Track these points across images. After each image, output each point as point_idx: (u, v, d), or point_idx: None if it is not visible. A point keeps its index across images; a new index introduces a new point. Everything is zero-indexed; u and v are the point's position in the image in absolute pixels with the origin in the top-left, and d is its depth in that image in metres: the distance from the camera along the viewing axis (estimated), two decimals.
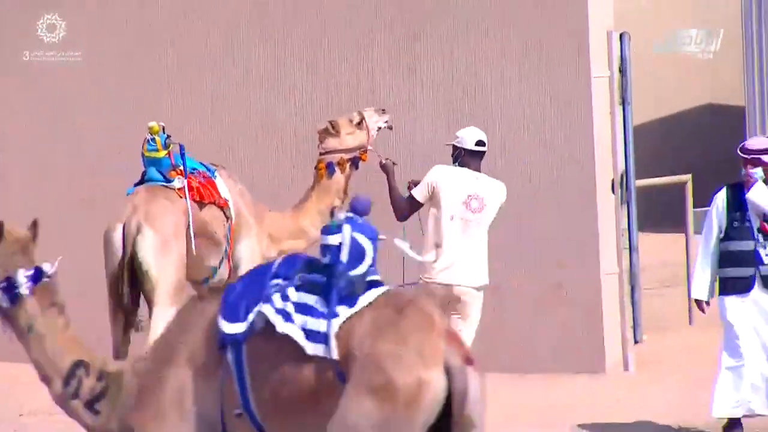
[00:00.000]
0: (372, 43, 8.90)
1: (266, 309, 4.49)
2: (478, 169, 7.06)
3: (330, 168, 7.54)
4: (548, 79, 8.49)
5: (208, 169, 7.36)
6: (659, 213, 12.12)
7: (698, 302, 7.29)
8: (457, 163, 7.09)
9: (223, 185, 7.38)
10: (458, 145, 7.11)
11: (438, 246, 6.91)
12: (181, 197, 7.05)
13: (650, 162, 11.71)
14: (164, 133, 7.18)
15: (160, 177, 7.16)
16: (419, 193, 7.05)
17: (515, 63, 8.56)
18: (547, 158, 8.56)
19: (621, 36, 8.65)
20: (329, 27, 9.02)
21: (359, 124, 7.64)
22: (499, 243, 7.34)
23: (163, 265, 6.90)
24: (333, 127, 7.62)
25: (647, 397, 8.24)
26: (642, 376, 8.70)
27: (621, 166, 8.66)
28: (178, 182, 7.09)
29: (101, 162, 9.78)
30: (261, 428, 4.64)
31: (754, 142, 7.38)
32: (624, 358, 8.76)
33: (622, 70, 8.58)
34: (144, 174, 7.25)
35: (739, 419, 7.10)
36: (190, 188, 7.09)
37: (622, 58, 8.60)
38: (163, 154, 7.15)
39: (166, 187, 7.12)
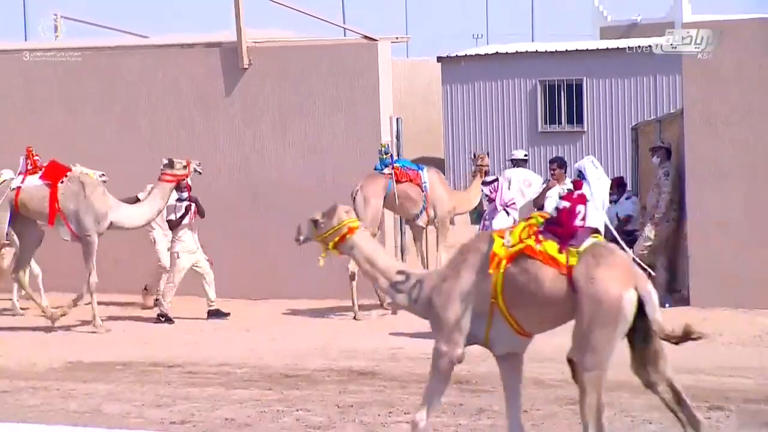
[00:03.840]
0: None
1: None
2: None
3: (485, 174, 14.89)
4: (359, 141, 16.17)
5: (418, 167, 15.06)
6: None
7: None
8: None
9: (425, 174, 14.92)
10: None
11: None
12: (388, 179, 14.88)
13: None
14: (385, 147, 15.01)
15: (380, 168, 14.86)
16: None
17: (344, 133, 16.08)
18: (357, 182, 16.10)
19: (397, 119, 16.10)
20: None
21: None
22: None
23: (364, 211, 14.29)
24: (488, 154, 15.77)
25: None
26: None
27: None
28: (387, 170, 14.76)
29: None
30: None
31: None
32: None
33: (398, 137, 16.19)
34: (375, 167, 14.90)
35: None
36: (396, 174, 14.78)
37: (398, 131, 16.16)
38: (384, 157, 14.91)
39: (381, 173, 14.83)
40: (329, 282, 15.27)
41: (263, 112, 16.49)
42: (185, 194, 14.63)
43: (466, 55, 27.90)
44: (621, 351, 7.19)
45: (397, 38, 17.13)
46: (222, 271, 15.14)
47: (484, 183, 12.42)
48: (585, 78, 26.41)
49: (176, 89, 16.79)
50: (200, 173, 14.57)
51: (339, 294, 15.11)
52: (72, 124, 17.04)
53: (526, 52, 27.63)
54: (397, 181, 14.98)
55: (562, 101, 26.69)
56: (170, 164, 14.35)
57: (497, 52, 27.75)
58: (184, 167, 14.40)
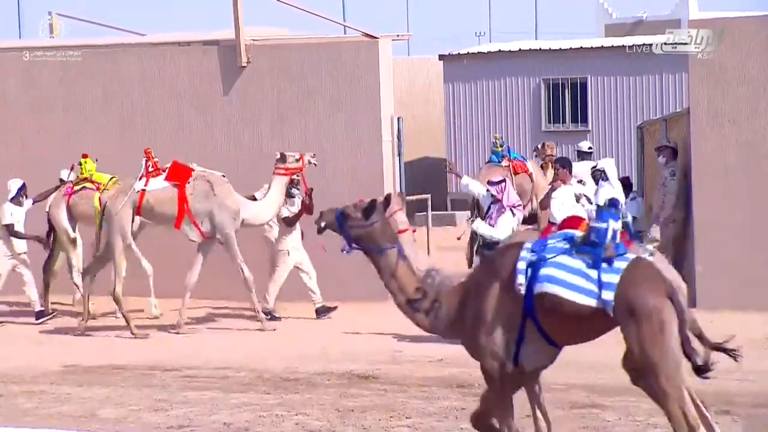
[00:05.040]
0: None
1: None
2: None
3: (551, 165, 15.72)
4: (359, 141, 16.23)
5: (523, 158, 16.28)
6: None
7: None
8: None
9: (530, 166, 15.89)
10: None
11: None
12: (506, 171, 15.46)
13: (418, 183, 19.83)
14: (499, 140, 16.18)
15: (496, 160, 16.01)
16: None
17: (344, 132, 16.18)
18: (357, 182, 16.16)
19: (398, 119, 16.18)
20: None
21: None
22: None
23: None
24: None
25: None
26: None
27: (398, 186, 16.31)
28: (505, 162, 15.65)
29: None
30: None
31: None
32: None
33: (399, 138, 16.31)
34: (490, 159, 16.25)
35: None
36: (513, 166, 15.47)
37: (399, 130, 16.24)
38: (499, 149, 16.04)
39: (498, 164, 15.76)
40: (328, 283, 15.29)
41: (262, 112, 16.51)
42: (295, 190, 14.78)
43: (468, 53, 27.91)
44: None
45: (398, 36, 17.17)
46: (218, 274, 15.15)
47: (491, 183, 12.48)
48: (589, 76, 26.43)
49: (174, 88, 16.82)
50: (315, 165, 14.63)
51: (339, 296, 15.13)
52: (69, 123, 17.15)
53: (530, 50, 27.65)
54: (514, 173, 15.52)
55: (566, 100, 26.71)
56: (282, 158, 14.42)
57: (500, 50, 27.77)
58: (297, 160, 14.45)
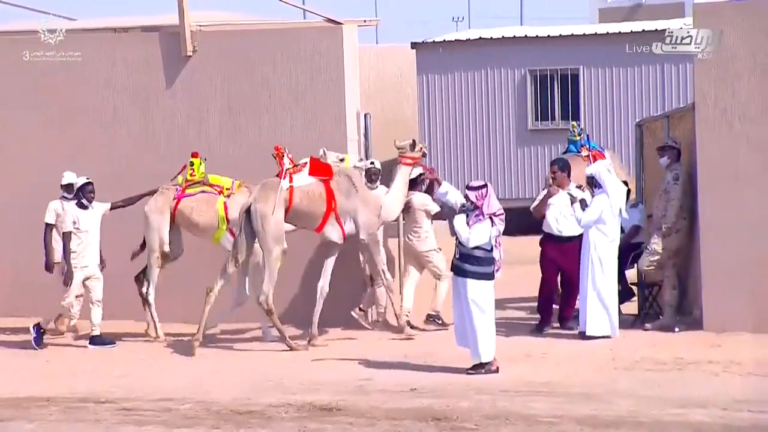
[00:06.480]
0: None
1: None
2: None
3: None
4: (320, 140, 16.10)
5: (601, 148, 15.85)
6: None
7: None
8: None
9: (608, 157, 15.19)
10: None
11: None
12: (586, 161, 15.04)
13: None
14: (577, 128, 16.58)
15: (574, 150, 15.99)
16: None
17: (303, 130, 16.06)
18: None
19: (365, 115, 16.16)
20: None
21: None
22: None
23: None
24: None
25: None
26: None
27: None
28: (584, 152, 15.26)
29: None
30: None
31: None
32: None
33: (366, 136, 16.22)
34: (567, 149, 16.42)
35: None
36: (593, 156, 15.11)
37: (366, 128, 16.18)
38: (577, 138, 16.09)
39: (577, 154, 15.62)
40: (285, 303, 15.27)
41: (210, 107, 16.48)
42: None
43: (444, 40, 27.99)
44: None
45: (365, 21, 17.15)
46: (163, 293, 15.19)
47: (470, 188, 12.51)
48: (582, 67, 26.57)
49: (109, 80, 16.75)
50: (425, 155, 15.26)
51: (303, 319, 15.13)
52: None
53: (514, 37, 27.75)
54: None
55: (556, 94, 26.83)
56: (413, 146, 14.84)
57: (480, 38, 27.85)
58: (420, 150, 14.94)
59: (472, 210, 12.50)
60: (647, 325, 14.74)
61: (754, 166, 14.24)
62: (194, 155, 15.31)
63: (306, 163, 14.57)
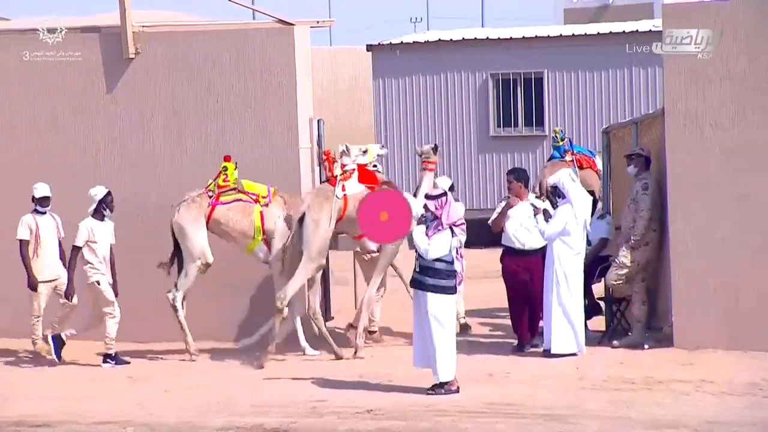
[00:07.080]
0: None
1: None
2: None
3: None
4: (270, 147, 16.10)
5: (591, 153, 17.01)
6: None
7: None
8: None
9: (598, 161, 16.25)
10: None
11: None
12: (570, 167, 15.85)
13: None
14: (560, 134, 16.93)
15: (558, 156, 16.88)
16: None
17: (252, 137, 16.06)
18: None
19: (318, 121, 16.11)
20: None
21: None
22: None
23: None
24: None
25: None
26: None
27: None
28: (568, 156, 16.13)
29: None
30: None
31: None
32: None
33: (319, 143, 16.20)
34: (552, 156, 17.15)
35: None
36: (578, 161, 15.92)
37: (319, 135, 16.12)
38: (560, 143, 16.71)
39: (562, 160, 16.53)
40: (234, 321, 15.22)
41: (153, 112, 16.41)
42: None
43: (402, 42, 27.99)
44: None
45: (318, 22, 17.14)
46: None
47: (429, 197, 12.50)
48: (546, 71, 26.62)
49: (44, 83, 16.65)
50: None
51: (246, 334, 15.08)
52: None
53: (475, 39, 27.80)
54: (579, 168, 16.09)
55: (519, 99, 26.88)
56: (434, 150, 15.25)
57: (440, 40, 27.88)
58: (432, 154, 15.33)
59: (431, 220, 12.48)
60: (615, 342, 14.76)
61: (726, 175, 14.28)
62: (227, 159, 15.22)
63: (354, 170, 14.88)
